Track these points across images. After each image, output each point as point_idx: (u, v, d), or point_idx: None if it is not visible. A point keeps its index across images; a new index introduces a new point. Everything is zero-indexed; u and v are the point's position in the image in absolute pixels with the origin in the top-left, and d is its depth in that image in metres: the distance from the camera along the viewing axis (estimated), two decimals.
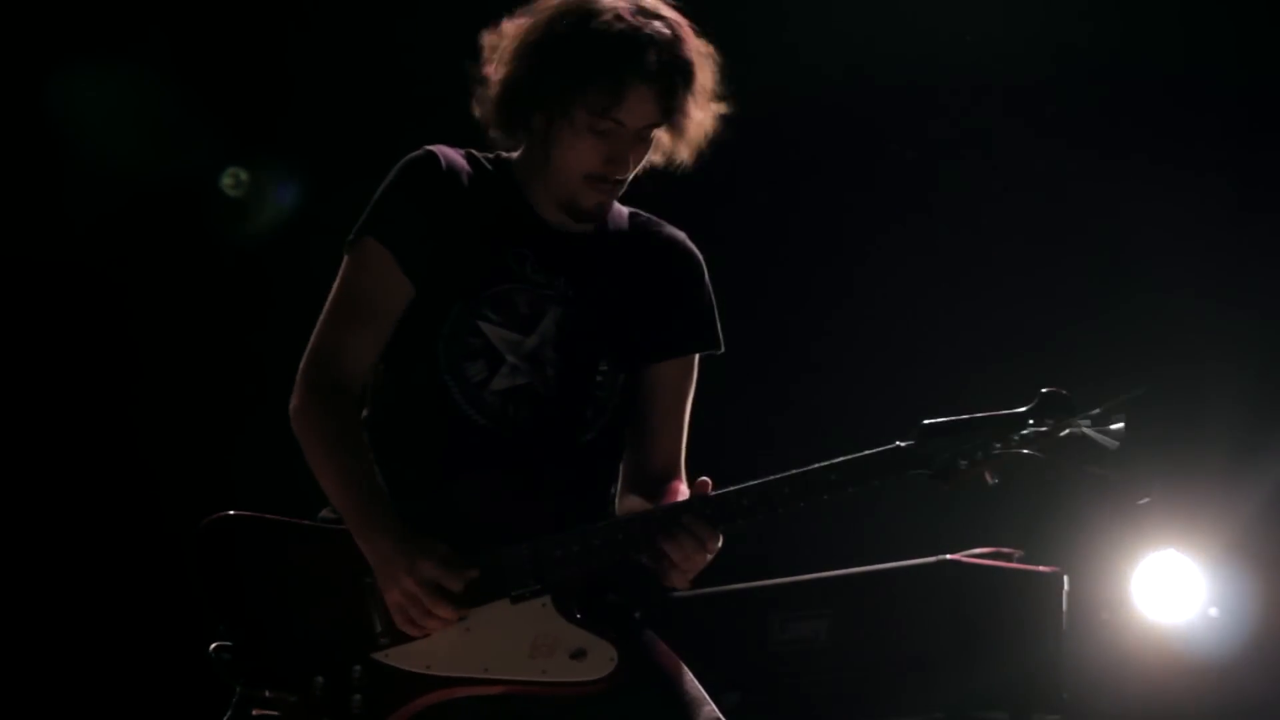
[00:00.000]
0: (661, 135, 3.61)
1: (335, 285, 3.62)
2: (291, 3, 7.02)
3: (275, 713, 3.47)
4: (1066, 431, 3.37)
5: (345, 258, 3.63)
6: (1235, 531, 6.54)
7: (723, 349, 3.76)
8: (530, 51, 3.57)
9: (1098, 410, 3.35)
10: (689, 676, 3.59)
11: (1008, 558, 5.75)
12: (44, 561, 7.01)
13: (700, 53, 3.59)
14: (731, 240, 5.31)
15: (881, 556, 5.83)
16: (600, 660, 3.45)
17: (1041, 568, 5.77)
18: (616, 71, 3.50)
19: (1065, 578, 5.75)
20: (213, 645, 3.49)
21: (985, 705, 5.61)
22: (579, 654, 3.46)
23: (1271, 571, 6.50)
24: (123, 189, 6.92)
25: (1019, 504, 5.98)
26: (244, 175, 7.21)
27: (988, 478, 3.42)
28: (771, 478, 3.46)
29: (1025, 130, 6.94)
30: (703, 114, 3.60)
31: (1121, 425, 3.33)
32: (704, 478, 3.49)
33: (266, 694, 3.47)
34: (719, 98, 3.62)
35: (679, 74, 3.54)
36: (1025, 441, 3.39)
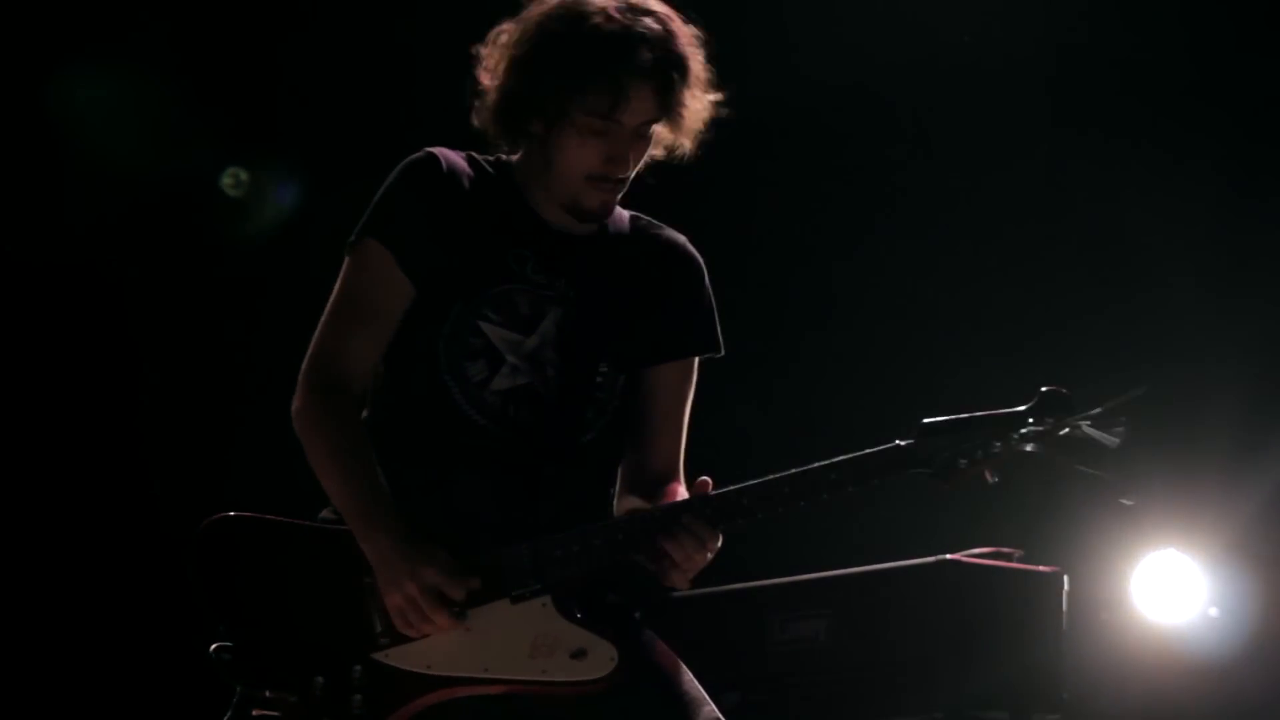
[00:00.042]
0: (661, 130, 3.61)
1: (336, 286, 3.62)
2: (291, 3, 7.02)
3: (275, 713, 3.47)
4: (1066, 430, 3.36)
5: (346, 259, 3.62)
6: (1235, 531, 6.54)
7: (723, 352, 3.76)
8: (524, 58, 3.57)
9: (1098, 410, 3.35)
10: (688, 676, 3.59)
11: (1008, 558, 5.75)
12: (45, 562, 7.01)
13: (692, 43, 3.58)
14: (731, 240, 5.32)
15: (881, 556, 5.83)
16: (600, 660, 3.45)
17: (1041, 567, 5.77)
18: (612, 72, 3.50)
19: (1065, 577, 5.75)
20: (213, 646, 3.48)
21: (985, 705, 5.61)
22: (579, 654, 3.46)
23: (1272, 571, 6.50)
24: (123, 189, 6.92)
25: (1019, 504, 5.98)
26: (244, 175, 7.21)
27: (988, 477, 3.42)
28: (771, 477, 3.46)
29: (1025, 129, 6.94)
30: (699, 103, 3.60)
31: (1122, 425, 3.33)
32: (704, 477, 3.49)
33: (267, 694, 3.47)
34: (714, 84, 3.62)
35: (674, 68, 3.54)
36: (1025, 440, 3.39)
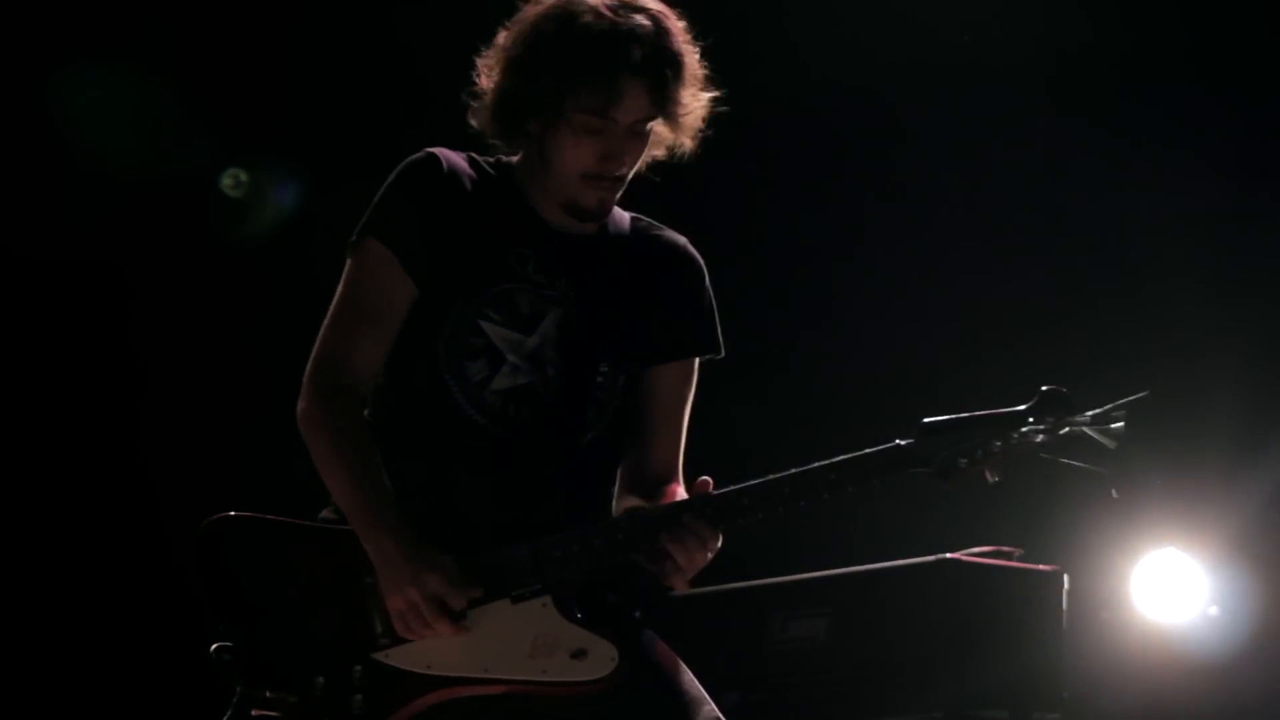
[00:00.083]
0: (660, 129, 3.61)
1: (339, 287, 3.62)
2: (291, 3, 7.02)
3: (276, 713, 3.47)
4: (1067, 430, 3.37)
5: (348, 260, 3.63)
6: (1236, 530, 6.54)
7: (723, 353, 3.77)
8: (518, 58, 3.58)
9: (1098, 409, 3.35)
10: (689, 676, 3.59)
11: (1008, 557, 5.75)
12: (45, 562, 7.01)
13: (686, 41, 3.59)
14: (731, 241, 5.32)
15: (881, 556, 5.83)
16: (600, 660, 3.45)
17: (1041, 566, 5.77)
18: (604, 69, 3.51)
19: (1065, 576, 5.75)
20: (213, 645, 3.48)
21: (985, 705, 5.61)
22: (579, 654, 3.46)
23: (1272, 570, 6.50)
24: (123, 189, 6.92)
25: (1019, 503, 5.98)
26: (244, 175, 7.21)
27: (988, 476, 3.42)
28: (772, 477, 3.46)
29: (1025, 129, 6.94)
30: (697, 102, 3.61)
31: (1121, 425, 3.33)
32: (704, 477, 3.50)
33: (267, 694, 3.47)
34: (711, 82, 3.63)
35: (667, 65, 3.54)
36: (1025, 440, 3.39)
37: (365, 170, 3.94)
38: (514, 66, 3.58)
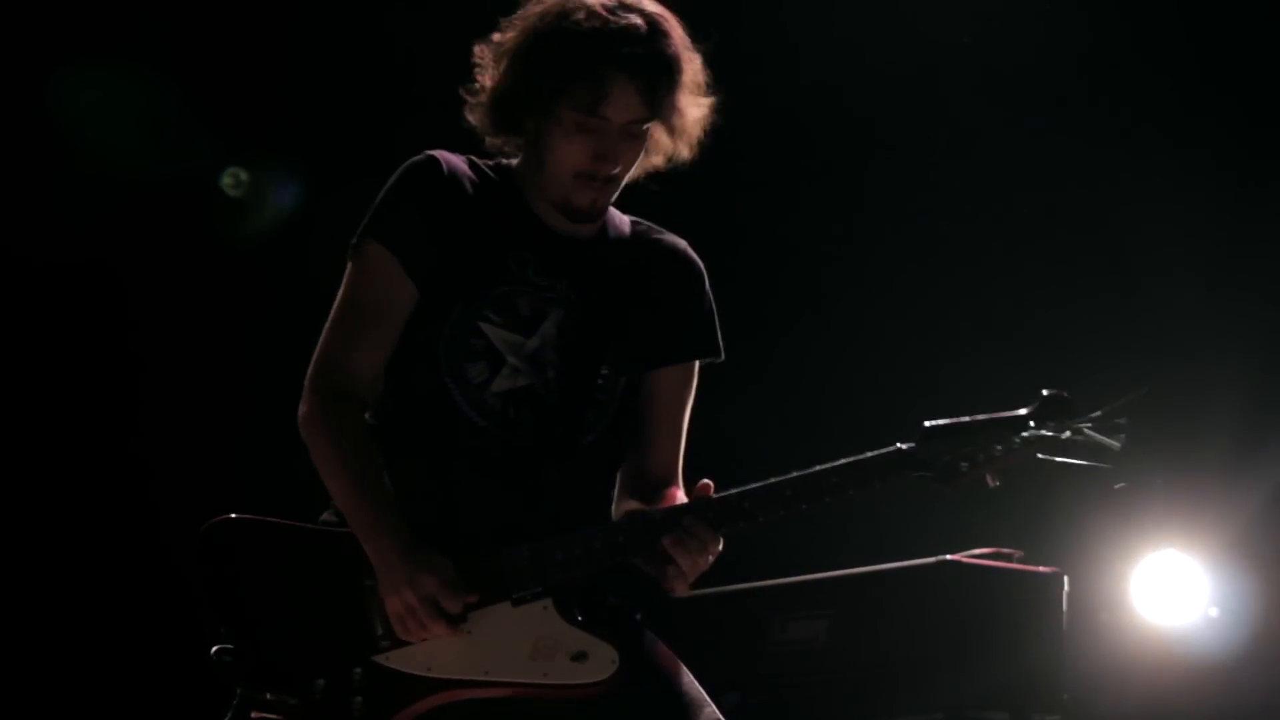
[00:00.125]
0: (659, 135, 3.62)
1: (340, 290, 3.63)
2: (291, 3, 7.02)
3: (276, 715, 3.47)
4: (1068, 434, 3.37)
5: (349, 262, 3.63)
6: (1236, 531, 6.53)
7: (723, 357, 3.77)
8: (513, 57, 3.60)
9: (1099, 412, 3.35)
10: (689, 677, 3.59)
11: (1008, 558, 5.75)
12: (45, 563, 7.01)
13: (686, 47, 3.60)
14: (731, 244, 5.32)
15: (881, 556, 5.84)
16: (601, 662, 3.45)
17: (1041, 568, 5.77)
18: (591, 65, 3.52)
19: (1065, 578, 5.75)
20: (213, 648, 3.48)
21: (985, 705, 5.61)
22: (580, 656, 3.46)
23: (1272, 571, 6.50)
24: (122, 189, 6.92)
25: (1019, 504, 5.97)
26: (244, 175, 7.20)
27: (989, 480, 3.42)
28: (773, 480, 3.46)
29: (1025, 129, 6.94)
30: (696, 109, 3.61)
31: (1123, 427, 3.33)
32: (705, 480, 3.49)
33: (267, 696, 3.47)
34: (710, 91, 3.63)
35: (660, 67, 3.55)
36: (1026, 443, 3.39)
37: (365, 170, 3.95)
38: (509, 63, 3.60)
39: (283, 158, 7.20)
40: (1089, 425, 3.35)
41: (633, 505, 3.61)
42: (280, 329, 4.95)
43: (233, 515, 3.57)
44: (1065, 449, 3.38)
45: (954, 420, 3.42)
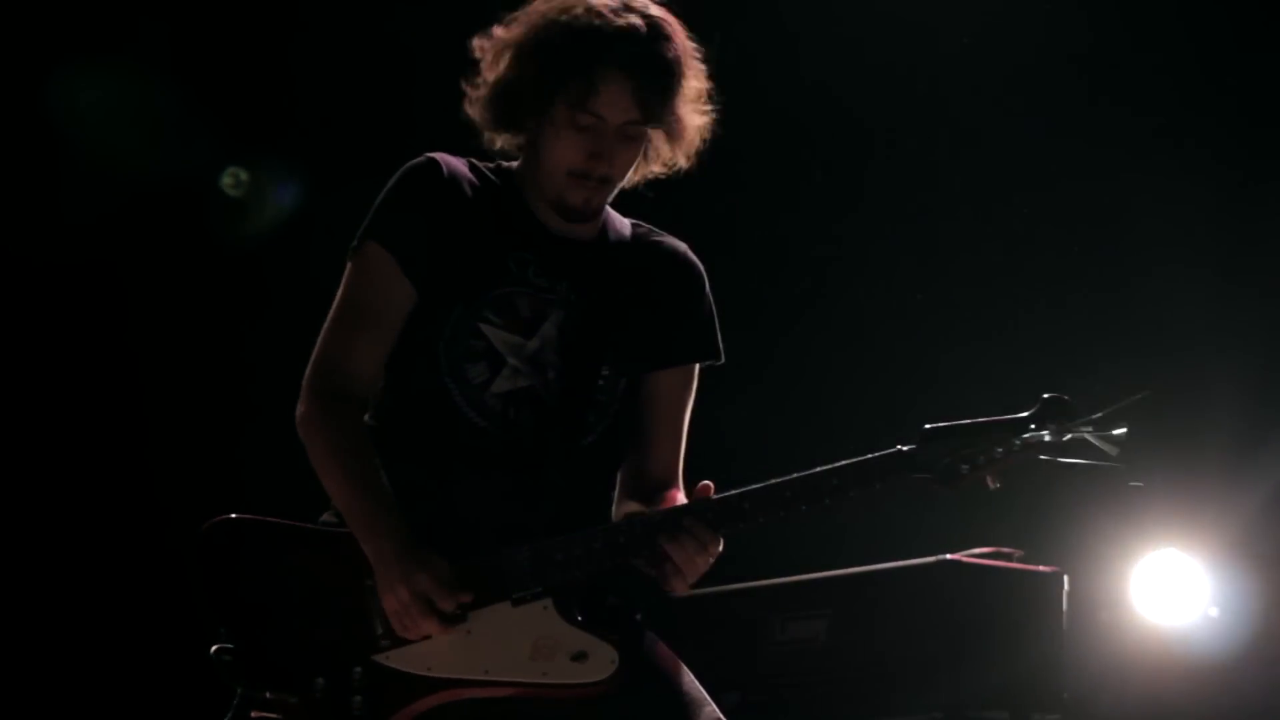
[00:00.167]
0: (659, 144, 3.63)
1: (339, 291, 3.63)
2: (292, 2, 7.02)
3: (276, 714, 3.47)
4: (1068, 436, 3.37)
5: (348, 264, 3.63)
6: (1236, 530, 6.53)
7: (723, 359, 3.77)
8: (514, 50, 3.61)
9: (1099, 415, 3.36)
10: (689, 677, 3.60)
11: (1008, 558, 5.75)
12: (45, 563, 7.01)
13: (688, 53, 3.60)
14: (731, 246, 5.32)
15: (881, 556, 5.84)
16: (601, 662, 3.46)
17: (1041, 567, 5.77)
18: (586, 61, 3.53)
19: (1065, 577, 5.76)
20: (214, 647, 3.48)
21: (985, 705, 5.61)
22: (580, 656, 3.46)
23: (1273, 571, 6.49)
24: (123, 189, 6.91)
25: (1019, 504, 5.98)
26: (244, 175, 7.20)
27: (990, 482, 3.43)
28: (773, 481, 3.46)
29: (1025, 129, 6.94)
30: (695, 118, 3.62)
31: (1123, 430, 3.33)
32: (705, 482, 3.50)
33: (267, 695, 3.47)
34: (712, 101, 3.63)
35: (656, 69, 3.56)
36: (1027, 446, 3.40)
37: (365, 171, 3.95)
38: (510, 57, 3.61)
39: (283, 158, 7.19)
40: (1089, 428, 3.35)
41: (633, 507, 3.61)
42: (280, 329, 4.95)
43: (233, 515, 3.57)
44: (1066, 451, 3.38)
45: (955, 422, 3.43)
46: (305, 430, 3.56)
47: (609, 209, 3.75)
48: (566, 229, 3.67)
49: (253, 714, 3.48)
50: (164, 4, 6.90)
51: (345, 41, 6.93)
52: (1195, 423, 6.43)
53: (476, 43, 3.67)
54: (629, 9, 3.57)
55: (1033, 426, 3.39)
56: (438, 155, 3.66)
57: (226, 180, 7.19)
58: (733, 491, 3.47)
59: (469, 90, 3.68)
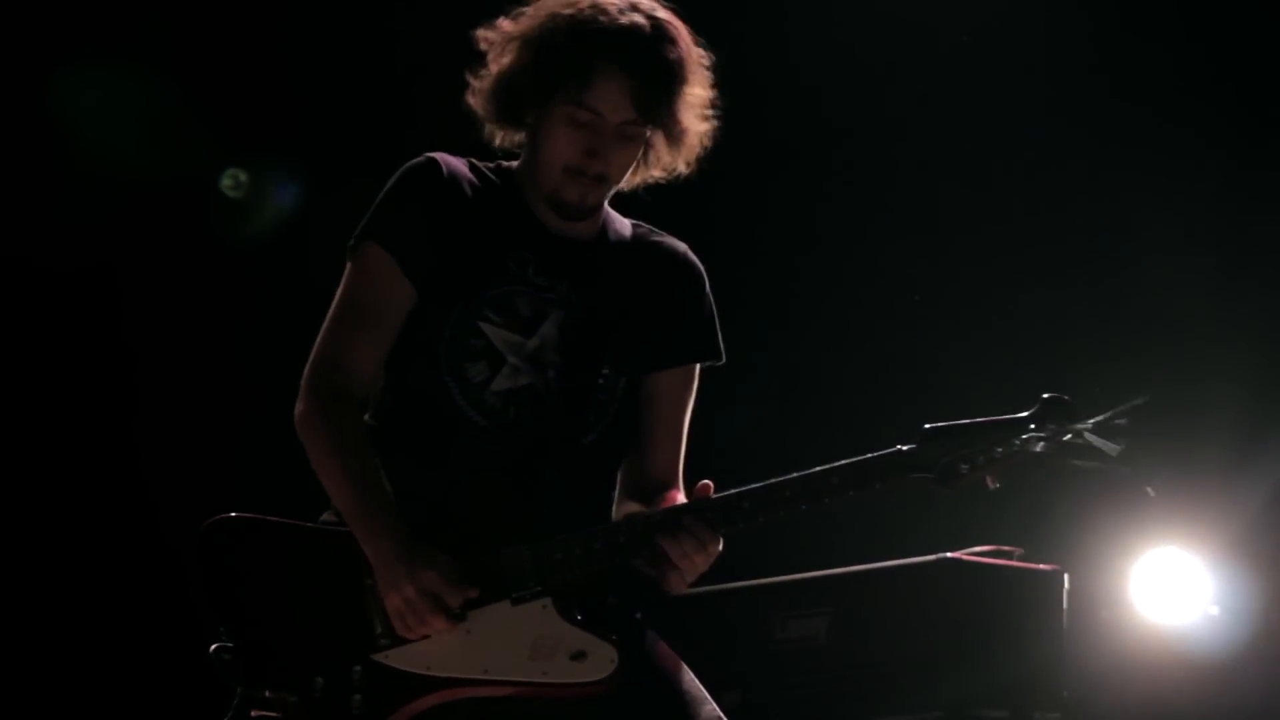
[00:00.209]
0: (658, 146, 3.63)
1: (338, 291, 3.64)
2: (292, 3, 7.02)
3: (275, 713, 3.47)
4: (1068, 437, 3.37)
5: (347, 263, 3.64)
6: (1237, 528, 6.53)
7: (723, 360, 3.77)
8: (519, 44, 3.62)
9: (1100, 416, 3.36)
10: (689, 676, 3.60)
11: (1008, 556, 5.75)
12: (45, 563, 7.01)
13: (692, 58, 3.61)
14: (730, 246, 5.32)
15: (881, 555, 5.83)
16: (600, 661, 3.46)
17: (1042, 566, 5.77)
18: (587, 56, 3.54)
19: (1065, 576, 5.75)
20: (213, 646, 3.49)
21: (985, 703, 5.61)
22: (579, 655, 3.46)
23: (1273, 569, 6.49)
24: (122, 189, 6.91)
25: (1019, 503, 5.98)
26: (244, 176, 7.20)
27: (989, 482, 3.43)
28: (773, 481, 3.46)
29: (1025, 130, 6.94)
30: (696, 123, 3.62)
31: (1123, 430, 3.33)
32: (705, 481, 3.50)
33: (267, 694, 3.47)
34: (715, 109, 3.64)
35: (657, 69, 3.56)
36: (1027, 446, 3.40)
37: (365, 171, 3.95)
38: (514, 49, 3.62)
39: (283, 158, 7.20)
40: (1089, 429, 3.36)
41: (632, 508, 3.62)
42: (280, 329, 4.95)
43: (232, 514, 3.57)
44: (1066, 452, 3.38)
45: (955, 422, 3.43)
46: (304, 430, 3.56)
47: (609, 209, 3.76)
48: (566, 228, 3.67)
49: (252, 713, 3.48)
50: (164, 4, 6.90)
51: (345, 42, 6.93)
52: (1195, 421, 6.43)
53: (481, 34, 3.68)
54: (635, 9, 3.58)
55: (1032, 426, 3.40)
56: (437, 155, 3.67)
57: (226, 181, 7.19)
58: (732, 491, 3.48)
59: (473, 82, 3.68)
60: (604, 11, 3.56)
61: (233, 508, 3.59)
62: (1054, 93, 6.93)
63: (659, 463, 3.70)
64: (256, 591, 3.53)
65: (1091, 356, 6.52)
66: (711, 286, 3.77)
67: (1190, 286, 6.62)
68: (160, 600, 6.57)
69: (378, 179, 3.68)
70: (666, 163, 3.67)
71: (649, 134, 3.63)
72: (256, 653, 3.49)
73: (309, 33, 6.96)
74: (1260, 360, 6.63)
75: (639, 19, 3.56)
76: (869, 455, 3.45)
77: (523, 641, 3.47)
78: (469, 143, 3.73)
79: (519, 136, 3.71)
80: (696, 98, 3.62)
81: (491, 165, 3.73)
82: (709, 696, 3.58)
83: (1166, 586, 6.50)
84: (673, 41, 3.58)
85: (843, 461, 3.45)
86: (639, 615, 3.62)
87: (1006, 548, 5.77)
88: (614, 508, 3.67)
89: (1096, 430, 3.35)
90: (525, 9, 3.65)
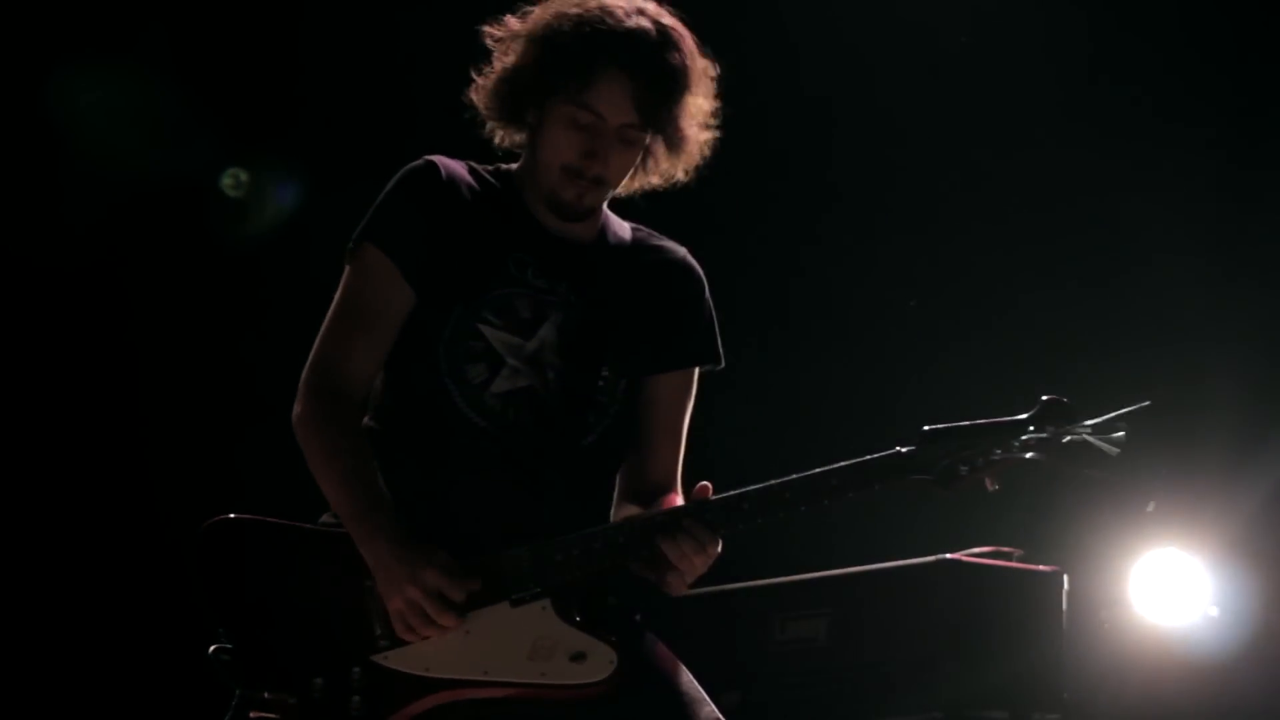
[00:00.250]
0: (659, 154, 3.64)
1: (337, 293, 3.63)
2: (293, 3, 7.02)
3: (274, 715, 3.47)
4: (1068, 439, 3.37)
5: (346, 266, 3.64)
6: (1236, 529, 6.53)
7: (723, 364, 3.78)
8: (523, 41, 3.63)
9: (1099, 419, 3.36)
10: (688, 677, 3.60)
11: (1008, 557, 5.75)
12: (45, 563, 7.01)
13: (696, 66, 3.61)
14: (730, 248, 5.32)
15: (881, 556, 5.84)
16: (600, 663, 3.46)
17: (1041, 567, 5.77)
18: (590, 56, 3.54)
19: (1065, 577, 5.75)
20: (212, 647, 3.49)
21: (985, 704, 5.61)
22: (578, 657, 3.46)
23: (1273, 570, 6.49)
24: (123, 189, 6.91)
25: (1019, 504, 5.98)
26: (244, 175, 7.20)
27: (988, 484, 3.44)
28: (772, 482, 3.46)
29: (1024, 130, 6.94)
30: (697, 130, 3.62)
31: (1122, 433, 3.34)
32: (704, 482, 3.50)
33: (266, 695, 3.47)
34: (717, 117, 3.64)
35: (660, 74, 3.56)
36: (1026, 448, 3.40)
37: (365, 172, 3.95)
38: (519, 46, 3.63)
39: (283, 158, 7.20)
40: (1088, 431, 3.36)
41: (632, 511, 3.61)
42: (280, 330, 4.95)
43: (232, 515, 3.57)
44: (1065, 454, 3.38)
45: (954, 424, 3.44)
46: (301, 431, 3.56)
47: (609, 212, 3.76)
48: (566, 230, 3.67)
49: (251, 714, 3.48)
50: (164, 4, 6.90)
51: (345, 42, 6.93)
52: (1195, 421, 6.43)
53: (488, 30, 3.68)
54: (642, 13, 3.58)
55: (1031, 428, 3.40)
56: (436, 158, 3.67)
57: (226, 181, 7.19)
58: (731, 492, 3.47)
59: (477, 78, 3.69)
60: (610, 14, 3.56)
61: (233, 508, 3.59)
62: (1053, 93, 6.93)
63: (658, 466, 3.69)
64: (256, 592, 3.53)
65: (1091, 357, 6.52)
66: (711, 289, 3.77)
67: (1190, 286, 6.62)
68: (160, 600, 6.57)
69: (378, 179, 3.68)
70: (665, 170, 3.67)
71: (649, 140, 3.63)
72: (256, 654, 3.48)
73: (309, 33, 6.96)
74: (1260, 360, 6.63)
75: (645, 23, 3.57)
76: (868, 457, 3.45)
77: (522, 643, 3.47)
78: (469, 143, 3.73)
79: (519, 136, 3.71)
80: (698, 106, 3.62)
81: (490, 168, 3.72)
82: (708, 697, 3.57)
83: (1166, 587, 6.50)
84: (677, 48, 3.58)
85: (842, 463, 3.45)
86: (638, 616, 3.62)
87: (1006, 549, 5.77)
88: (613, 511, 3.67)
89: (1096, 432, 3.35)
90: (533, 8, 3.66)
